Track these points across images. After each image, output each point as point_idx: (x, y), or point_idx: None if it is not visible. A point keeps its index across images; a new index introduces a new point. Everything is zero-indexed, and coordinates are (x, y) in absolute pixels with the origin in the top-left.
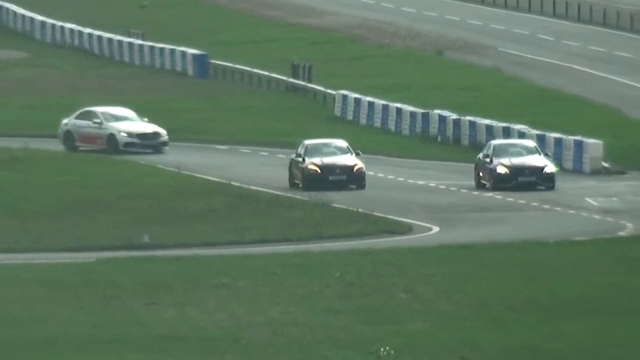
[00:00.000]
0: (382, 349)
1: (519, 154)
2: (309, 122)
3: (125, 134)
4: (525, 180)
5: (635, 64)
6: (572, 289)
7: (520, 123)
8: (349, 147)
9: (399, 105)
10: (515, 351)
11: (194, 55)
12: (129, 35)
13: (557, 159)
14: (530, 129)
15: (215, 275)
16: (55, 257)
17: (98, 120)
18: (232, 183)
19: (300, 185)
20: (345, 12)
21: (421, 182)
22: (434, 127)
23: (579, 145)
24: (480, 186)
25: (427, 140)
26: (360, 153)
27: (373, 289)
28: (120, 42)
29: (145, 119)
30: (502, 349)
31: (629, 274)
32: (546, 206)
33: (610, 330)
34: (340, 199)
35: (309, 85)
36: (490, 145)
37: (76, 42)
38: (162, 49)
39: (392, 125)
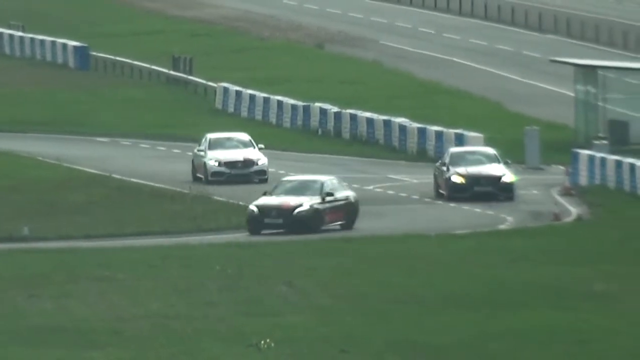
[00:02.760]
0: (262, 342)
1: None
2: (190, 115)
3: (213, 163)
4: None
5: (515, 56)
6: (452, 282)
7: (401, 116)
8: (497, 155)
9: (280, 98)
10: (396, 344)
11: (74, 47)
12: (9, 27)
13: (437, 152)
14: (411, 122)
15: (96, 268)
16: None
17: (202, 148)
18: (113, 175)
19: (445, 195)
20: (226, 4)
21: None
22: (314, 120)
23: (459, 138)
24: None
25: (308, 133)
26: (510, 162)
27: (253, 281)
28: (0, 34)
29: (261, 145)
30: (382, 342)
31: (508, 267)
32: (427, 199)
33: (491, 322)
34: (220, 192)
35: (190, 77)
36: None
37: None
38: (42, 41)
39: (273, 118)
